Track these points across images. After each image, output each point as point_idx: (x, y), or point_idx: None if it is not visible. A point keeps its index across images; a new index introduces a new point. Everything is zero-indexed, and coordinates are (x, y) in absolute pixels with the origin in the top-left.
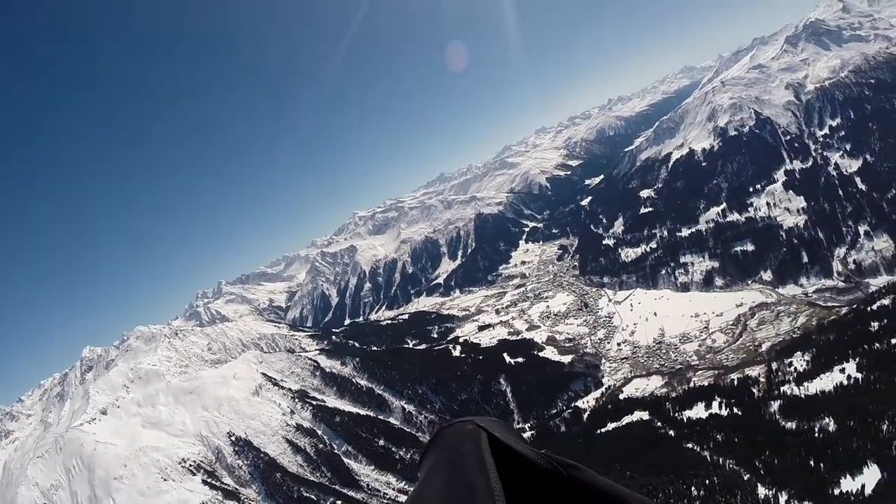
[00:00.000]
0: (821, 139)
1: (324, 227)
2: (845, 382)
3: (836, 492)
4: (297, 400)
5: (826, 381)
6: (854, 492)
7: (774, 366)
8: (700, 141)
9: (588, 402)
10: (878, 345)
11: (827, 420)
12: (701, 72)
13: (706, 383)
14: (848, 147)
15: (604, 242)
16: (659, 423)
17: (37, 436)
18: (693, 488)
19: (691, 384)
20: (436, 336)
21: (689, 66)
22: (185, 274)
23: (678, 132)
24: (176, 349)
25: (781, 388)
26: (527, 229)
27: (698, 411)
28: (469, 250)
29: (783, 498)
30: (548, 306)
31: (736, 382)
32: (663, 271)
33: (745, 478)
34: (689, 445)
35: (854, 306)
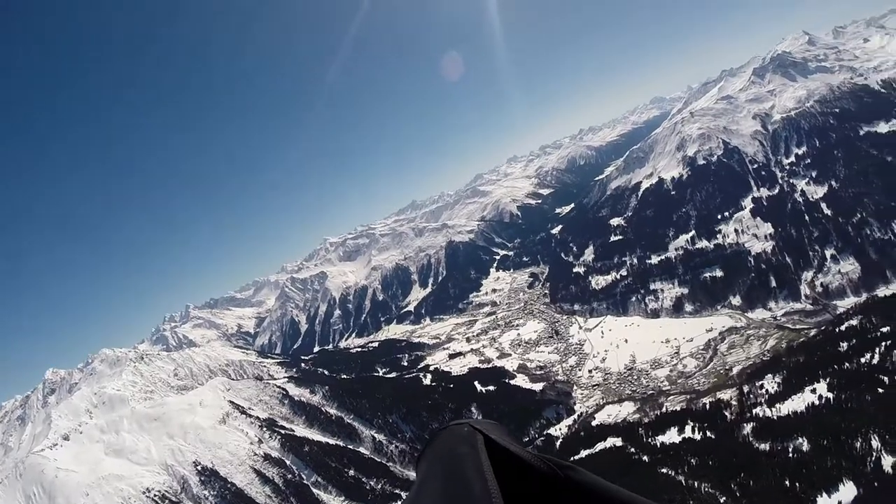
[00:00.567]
0: (787, 167)
1: (294, 253)
2: (817, 402)
3: None
4: (265, 429)
5: (798, 402)
6: None
7: (746, 389)
8: (669, 170)
9: (560, 429)
10: (847, 364)
11: (800, 440)
12: (670, 103)
13: (678, 408)
14: (814, 174)
15: (574, 270)
16: (632, 449)
17: None
18: None
19: (664, 409)
20: (406, 364)
21: (659, 97)
22: (153, 296)
23: (648, 161)
24: (141, 374)
25: (753, 411)
26: (498, 257)
27: (671, 436)
28: (440, 278)
29: None
30: (519, 334)
31: (708, 406)
32: (633, 298)
33: (721, 501)
34: (664, 470)
35: (823, 328)
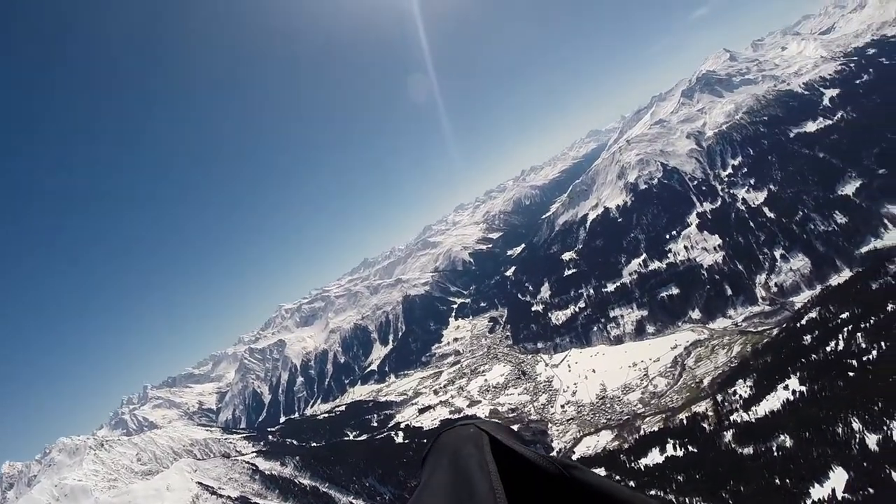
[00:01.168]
0: (726, 179)
1: (250, 323)
2: (791, 398)
3: (809, 502)
4: None
5: (773, 402)
6: (826, 497)
7: (719, 398)
8: (613, 198)
9: None
10: (814, 356)
11: (782, 437)
12: (606, 134)
13: (656, 428)
14: (752, 182)
15: (533, 309)
16: (617, 477)
17: None
18: None
19: (642, 432)
20: (376, 424)
21: (595, 129)
22: (109, 379)
23: (592, 193)
24: (103, 461)
25: (731, 418)
26: (455, 306)
27: (654, 457)
28: (400, 334)
29: None
30: (486, 380)
31: (685, 421)
32: (595, 328)
33: None
34: (652, 492)
35: (784, 326)
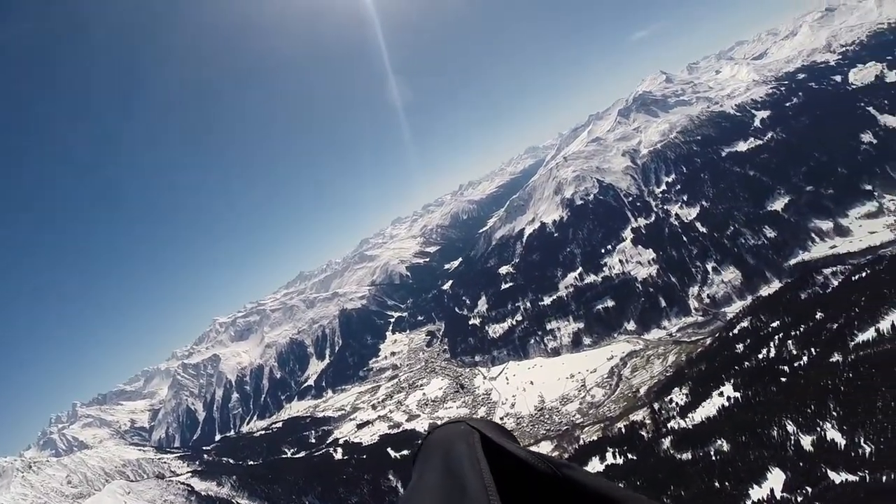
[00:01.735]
0: (660, 195)
1: (183, 337)
2: (727, 404)
3: (749, 503)
4: None
5: (709, 408)
6: (765, 497)
7: (656, 406)
8: (550, 213)
9: None
10: (747, 363)
11: (720, 442)
12: (544, 150)
13: (595, 437)
14: (685, 198)
15: (470, 322)
16: None
17: None
18: None
19: (581, 442)
20: (314, 441)
21: (533, 146)
22: (35, 397)
23: (528, 208)
24: (31, 484)
25: (668, 425)
26: (392, 320)
27: (594, 465)
28: (337, 348)
29: None
30: (424, 393)
31: (624, 430)
32: (532, 340)
33: None
34: None
35: (717, 335)
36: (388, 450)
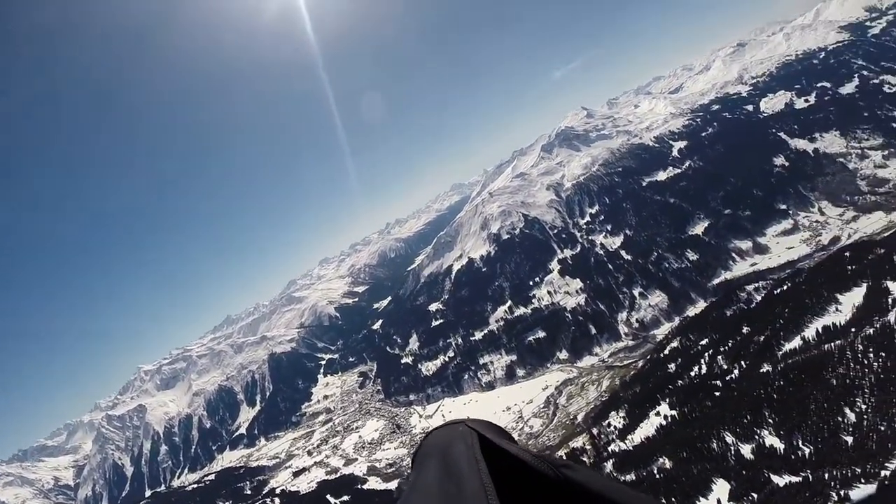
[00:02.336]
0: (584, 226)
1: (107, 387)
2: (664, 423)
3: None
4: None
5: (647, 428)
6: None
7: (595, 431)
8: (477, 249)
9: None
10: (680, 381)
11: (661, 460)
12: (469, 187)
13: None
14: (609, 227)
15: (402, 361)
16: None
17: None
18: None
19: None
20: (249, 492)
21: (459, 183)
22: None
23: (456, 245)
24: None
25: (609, 448)
26: (323, 362)
27: None
28: (267, 394)
29: None
30: (360, 436)
31: (565, 457)
32: (466, 376)
33: None
34: None
35: (648, 357)
36: (328, 497)
